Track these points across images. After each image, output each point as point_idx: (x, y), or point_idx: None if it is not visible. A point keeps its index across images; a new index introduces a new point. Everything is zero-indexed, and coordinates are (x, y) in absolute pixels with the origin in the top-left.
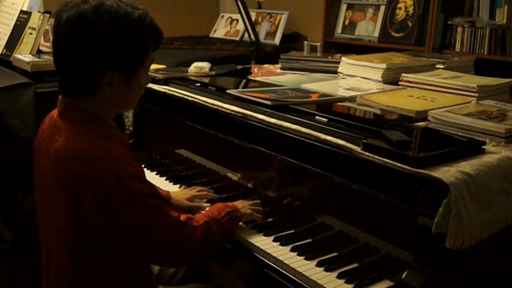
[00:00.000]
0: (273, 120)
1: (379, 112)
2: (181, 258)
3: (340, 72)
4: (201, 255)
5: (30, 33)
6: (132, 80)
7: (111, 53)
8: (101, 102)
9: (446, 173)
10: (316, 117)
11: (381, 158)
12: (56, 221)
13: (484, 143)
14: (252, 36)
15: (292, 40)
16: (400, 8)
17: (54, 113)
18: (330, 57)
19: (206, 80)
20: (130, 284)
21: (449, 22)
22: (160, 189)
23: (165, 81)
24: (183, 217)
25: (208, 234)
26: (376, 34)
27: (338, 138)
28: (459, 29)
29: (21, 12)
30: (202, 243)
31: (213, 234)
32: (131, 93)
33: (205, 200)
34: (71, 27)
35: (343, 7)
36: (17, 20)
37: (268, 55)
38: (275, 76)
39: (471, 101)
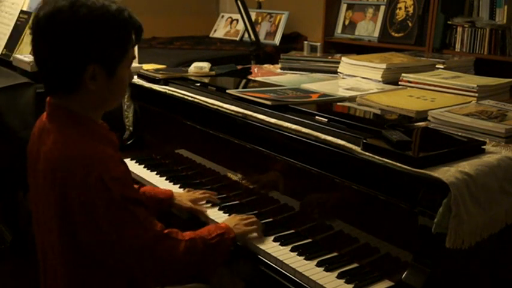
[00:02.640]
0: (273, 120)
1: (379, 112)
2: (159, 273)
3: (340, 72)
4: (183, 272)
5: (31, 33)
6: (114, 73)
7: (90, 46)
8: (86, 99)
9: (446, 173)
10: (316, 117)
11: (381, 158)
12: (49, 225)
13: (484, 143)
14: (252, 36)
15: (292, 40)
16: (400, 8)
17: (44, 116)
18: (330, 57)
19: (206, 80)
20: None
21: (449, 22)
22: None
23: (165, 81)
24: (167, 230)
25: (193, 252)
26: (376, 34)
27: (338, 138)
28: (459, 29)
29: (21, 12)
30: (184, 259)
31: (198, 252)
32: (115, 88)
33: (209, 204)
34: (49, 23)
35: (343, 7)
36: (17, 20)
37: (268, 55)
38: (275, 76)
39: (471, 101)
